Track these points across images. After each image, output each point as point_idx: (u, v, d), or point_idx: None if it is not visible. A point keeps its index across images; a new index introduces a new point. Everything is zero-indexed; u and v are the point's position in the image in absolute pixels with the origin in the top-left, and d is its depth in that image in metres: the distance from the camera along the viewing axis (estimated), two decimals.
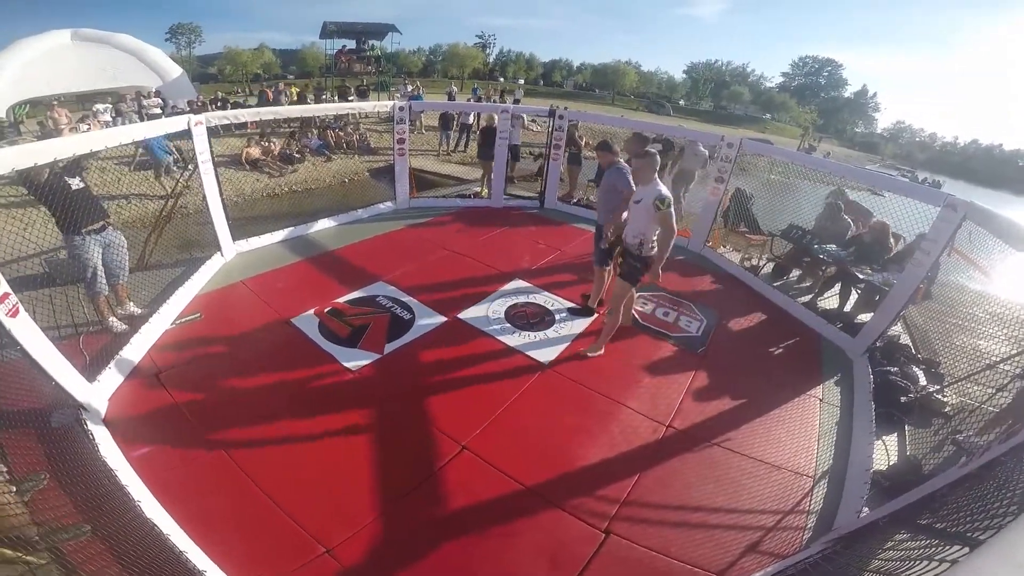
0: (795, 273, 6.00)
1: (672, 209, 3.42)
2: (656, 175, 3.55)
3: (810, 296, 5.44)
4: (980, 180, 44.35)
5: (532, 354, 3.94)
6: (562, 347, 4.06)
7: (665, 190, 3.47)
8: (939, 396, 3.71)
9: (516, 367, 3.80)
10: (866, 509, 2.64)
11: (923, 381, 3.91)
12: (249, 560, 2.29)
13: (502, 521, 2.59)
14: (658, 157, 3.59)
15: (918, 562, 1.50)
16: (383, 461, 2.88)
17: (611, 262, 4.18)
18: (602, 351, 3.97)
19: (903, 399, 3.65)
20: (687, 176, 7.82)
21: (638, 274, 3.71)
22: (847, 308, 5.05)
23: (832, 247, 5.35)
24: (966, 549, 1.36)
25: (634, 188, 3.84)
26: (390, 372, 3.65)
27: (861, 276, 4.82)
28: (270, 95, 17.19)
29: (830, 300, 5.28)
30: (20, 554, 2.03)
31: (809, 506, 2.83)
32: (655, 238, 3.59)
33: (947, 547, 1.51)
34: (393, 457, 2.92)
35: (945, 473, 2.23)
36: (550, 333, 4.27)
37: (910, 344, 4.58)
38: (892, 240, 5.11)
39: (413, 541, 2.45)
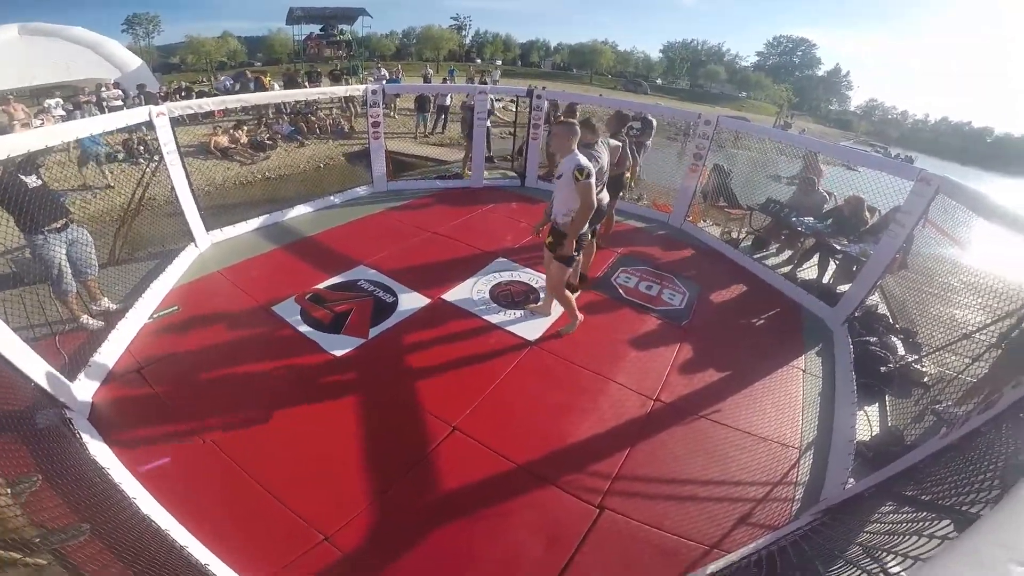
0: (774, 245, 6.09)
1: (592, 180, 3.23)
2: (575, 146, 3.33)
3: (789, 267, 5.54)
4: (950, 156, 45.45)
5: (518, 331, 3.93)
6: (548, 323, 4.06)
7: (584, 160, 3.27)
8: (918, 366, 3.81)
9: (503, 345, 3.79)
10: (851, 480, 2.70)
11: (902, 351, 4.01)
12: (250, 551, 2.27)
13: (497, 500, 2.60)
14: (576, 127, 3.35)
15: (906, 537, 1.52)
16: (375, 446, 2.86)
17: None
18: (580, 318, 3.94)
19: (883, 369, 3.73)
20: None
21: (576, 253, 3.57)
22: (826, 279, 5.15)
23: (809, 219, 5.44)
24: (951, 525, 1.38)
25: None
26: (376, 356, 3.60)
27: (839, 247, 4.91)
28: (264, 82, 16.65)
29: (809, 271, 5.38)
30: (21, 556, 1.98)
31: (796, 477, 2.90)
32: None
33: (935, 521, 1.54)
34: (385, 441, 2.90)
35: (926, 444, 2.28)
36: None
37: (888, 314, 4.70)
38: (867, 213, 5.20)
39: (411, 524, 2.45)
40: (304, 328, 3.82)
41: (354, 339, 3.73)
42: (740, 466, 2.92)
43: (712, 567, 2.28)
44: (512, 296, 4.43)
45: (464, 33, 58.21)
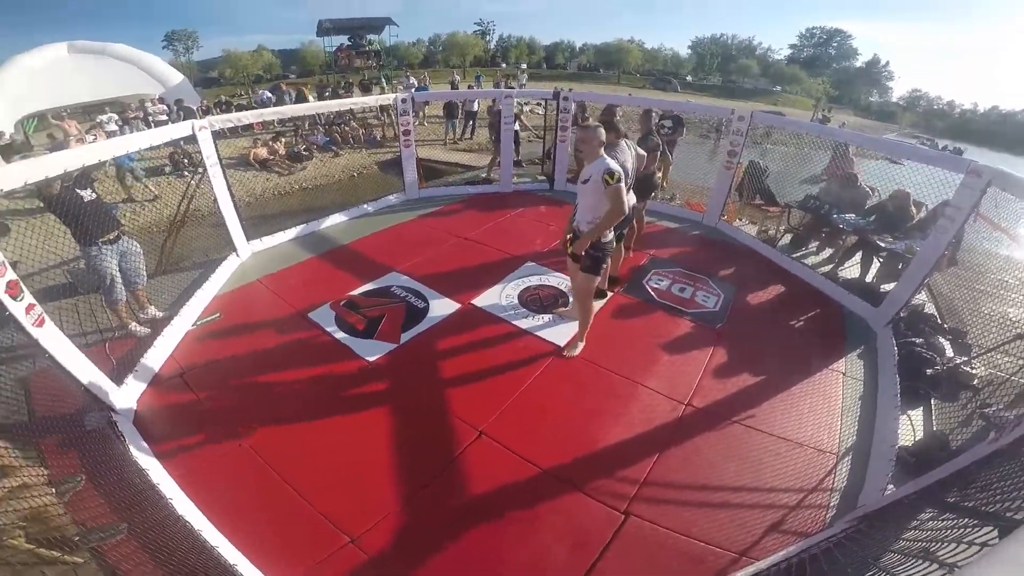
0: (814, 243, 5.88)
1: (623, 184, 3.09)
2: (601, 149, 3.21)
3: (830, 266, 5.33)
4: (1002, 147, 42.77)
5: (547, 336, 3.93)
6: (577, 327, 4.04)
7: (613, 163, 3.14)
8: (967, 368, 3.60)
9: (531, 350, 3.79)
10: (891, 487, 2.59)
11: (950, 352, 3.80)
12: (277, 552, 2.35)
13: (521, 505, 2.60)
14: (600, 130, 3.21)
15: (946, 544, 1.46)
16: (403, 449, 2.92)
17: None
18: (583, 344, 3.78)
19: (929, 371, 3.55)
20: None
21: (601, 263, 3.43)
22: (869, 278, 4.93)
23: (851, 216, 5.23)
24: (995, 531, 1.32)
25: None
26: (407, 361, 3.68)
27: (883, 244, 4.70)
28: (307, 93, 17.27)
29: (851, 270, 5.16)
30: (61, 554, 2.10)
31: (832, 484, 2.79)
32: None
33: (977, 528, 1.47)
34: (412, 445, 2.95)
35: (974, 449, 2.16)
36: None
37: (935, 314, 4.46)
38: (913, 208, 4.97)
39: (434, 528, 2.48)
40: (339, 334, 3.93)
41: (386, 344, 3.81)
42: (774, 472, 2.83)
43: (740, 575, 2.22)
44: (541, 300, 4.43)
45: (488, 38, 58.67)
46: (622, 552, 2.38)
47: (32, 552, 2.07)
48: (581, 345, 3.76)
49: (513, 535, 2.46)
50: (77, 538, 2.21)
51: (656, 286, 4.76)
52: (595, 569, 2.30)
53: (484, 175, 8.45)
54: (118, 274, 3.73)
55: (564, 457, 2.87)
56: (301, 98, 15.89)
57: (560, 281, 4.75)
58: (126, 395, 3.15)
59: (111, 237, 3.69)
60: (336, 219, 6.34)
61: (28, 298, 2.58)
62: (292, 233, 5.82)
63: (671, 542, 2.44)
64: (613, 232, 3.41)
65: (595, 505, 2.61)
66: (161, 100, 16.37)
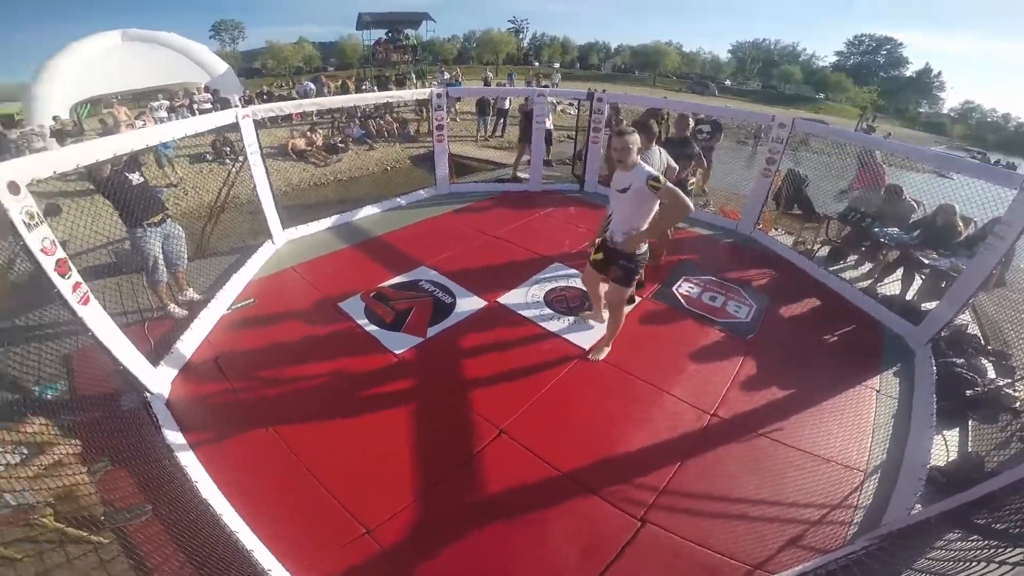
0: (853, 257, 5.69)
1: (670, 183, 2.96)
2: (637, 156, 3.06)
3: (869, 282, 5.16)
4: None
5: (572, 339, 3.91)
6: (604, 331, 4.01)
7: (650, 168, 3.03)
8: (1010, 390, 3.44)
9: (556, 351, 3.79)
10: (919, 506, 2.51)
11: (992, 374, 3.64)
12: (294, 539, 2.40)
13: (537, 505, 2.60)
14: (635, 135, 3.03)
15: (974, 564, 1.41)
16: (423, 443, 2.95)
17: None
18: (609, 349, 3.72)
19: (969, 392, 3.41)
20: None
21: (634, 275, 3.31)
22: (910, 295, 4.75)
23: (894, 230, 5.04)
24: None
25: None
26: (432, 356, 3.72)
27: (926, 261, 4.52)
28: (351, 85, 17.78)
29: (891, 287, 4.98)
30: (87, 534, 2.17)
31: (857, 501, 2.71)
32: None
33: (1007, 549, 1.42)
34: (433, 440, 2.98)
35: (1010, 471, 2.08)
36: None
37: (979, 334, 4.27)
38: (960, 223, 4.76)
39: (449, 524, 2.50)
40: (368, 325, 4.00)
41: (413, 337, 3.87)
42: (797, 487, 2.77)
43: None
44: (567, 301, 4.42)
45: (522, 36, 58.63)
46: (635, 559, 2.36)
47: (60, 531, 2.13)
48: (607, 350, 3.73)
49: (526, 535, 2.46)
50: (103, 517, 2.27)
51: (686, 293, 4.69)
52: (607, 574, 2.29)
53: (512, 174, 8.46)
54: (161, 255, 3.88)
55: (583, 460, 2.86)
56: (344, 91, 16.26)
57: None
58: (161, 377, 3.26)
59: (156, 220, 3.84)
60: (369, 211, 6.45)
61: (75, 276, 2.69)
62: (326, 223, 5.95)
63: (686, 551, 2.41)
64: (647, 244, 3.30)
65: (611, 510, 2.59)
66: (207, 89, 16.91)
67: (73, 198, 7.60)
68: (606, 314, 3.85)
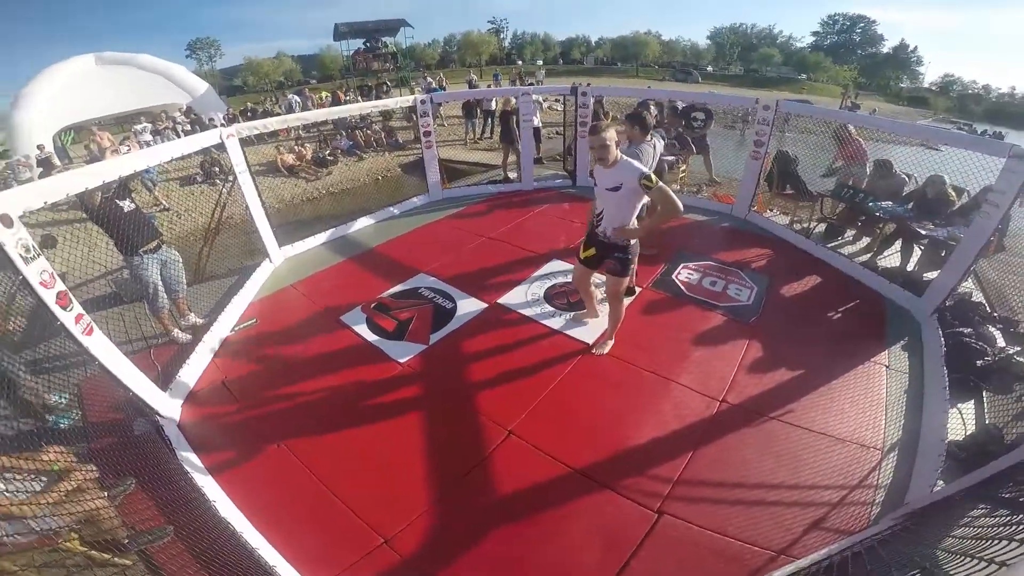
0: (850, 233, 5.70)
1: (662, 183, 2.94)
2: (620, 151, 3.04)
3: (868, 255, 5.16)
4: None
5: (575, 334, 3.91)
6: (606, 324, 4.00)
7: (642, 165, 3.01)
8: (1021, 358, 3.43)
9: (559, 348, 3.78)
10: (941, 483, 2.49)
11: (1001, 342, 3.62)
12: (314, 553, 2.40)
13: (552, 504, 2.60)
14: (614, 131, 3.02)
15: (998, 541, 1.40)
16: (433, 450, 2.95)
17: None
18: (612, 342, 3.72)
19: (979, 363, 3.39)
20: None
21: (630, 264, 3.35)
22: (910, 266, 4.75)
23: (888, 204, 5.05)
24: None
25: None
26: (436, 362, 3.72)
27: (923, 232, 4.52)
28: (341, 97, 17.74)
29: (890, 259, 4.98)
30: (111, 556, 2.17)
31: (877, 480, 2.69)
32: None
33: None
34: (443, 445, 2.98)
35: None
36: None
37: (984, 302, 4.26)
38: (953, 193, 4.77)
39: (466, 528, 2.50)
40: (370, 336, 4.00)
41: (416, 345, 3.86)
42: (814, 469, 2.75)
43: (779, 573, 2.17)
44: (567, 297, 4.41)
45: (503, 36, 58.65)
46: (655, 551, 2.35)
47: (85, 554, 2.14)
48: (610, 343, 3.72)
49: (543, 534, 2.46)
50: (127, 540, 2.28)
51: (686, 280, 4.68)
52: (628, 568, 2.28)
53: (502, 175, 8.47)
54: (160, 283, 3.86)
55: (595, 456, 2.85)
56: (336, 102, 16.24)
57: None
58: (171, 401, 3.27)
59: (152, 246, 3.82)
60: (363, 222, 6.44)
61: (77, 308, 2.70)
62: (322, 238, 5.94)
63: (706, 541, 2.40)
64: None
65: (627, 504, 2.58)
66: (189, 110, 16.85)
67: (68, 226, 7.55)
68: (601, 309, 3.84)
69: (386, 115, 16.10)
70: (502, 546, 2.41)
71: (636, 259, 3.44)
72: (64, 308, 2.61)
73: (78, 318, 2.69)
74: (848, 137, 5.65)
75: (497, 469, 2.80)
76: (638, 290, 4.46)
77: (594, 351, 3.71)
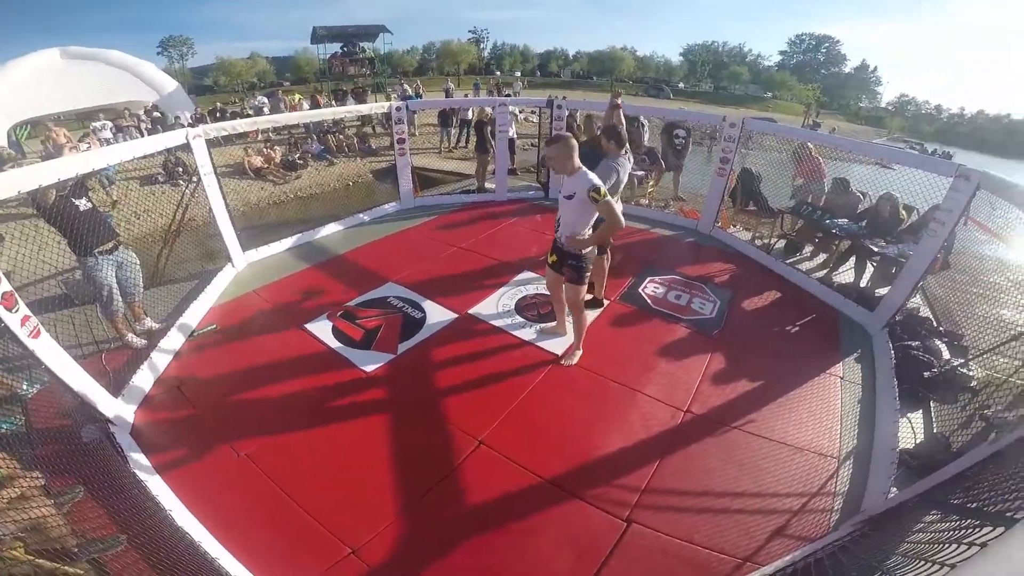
0: (808, 249, 5.93)
1: (610, 198, 3.04)
2: (578, 161, 3.12)
3: (824, 271, 5.38)
4: (991, 151, 42.96)
5: (545, 346, 3.93)
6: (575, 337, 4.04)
7: (596, 178, 3.08)
8: (964, 370, 3.62)
9: (529, 359, 3.79)
10: (894, 489, 2.59)
11: (946, 355, 3.82)
12: (279, 563, 2.33)
13: (523, 514, 2.59)
14: (573, 141, 3.14)
15: (947, 545, 1.47)
16: (402, 460, 2.90)
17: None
18: (581, 352, 3.75)
19: (926, 374, 3.57)
20: None
21: (585, 272, 3.41)
22: (863, 282, 4.98)
23: (844, 221, 5.28)
24: (1000, 529, 1.33)
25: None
26: (404, 372, 3.66)
27: (875, 249, 4.75)
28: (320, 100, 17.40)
29: (845, 275, 5.21)
30: (60, 565, 2.07)
31: (835, 488, 2.79)
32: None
33: (980, 528, 1.48)
34: (411, 455, 2.93)
35: (975, 450, 2.18)
36: None
37: (931, 317, 4.51)
38: (904, 212, 5.02)
39: (436, 538, 2.47)
40: (336, 344, 3.91)
41: (384, 355, 3.80)
42: (775, 478, 2.83)
43: None
44: (538, 308, 4.43)
45: (482, 46, 59.09)
46: (625, 560, 2.37)
47: (32, 563, 2.03)
48: (579, 353, 3.76)
49: (514, 544, 2.45)
50: (76, 549, 2.18)
51: (652, 293, 4.78)
52: None
53: (477, 185, 8.48)
54: (116, 285, 3.70)
55: (564, 466, 2.86)
56: (315, 106, 15.98)
57: None
58: (123, 407, 3.12)
59: (108, 247, 3.67)
60: (332, 228, 6.33)
61: (23, 310, 2.55)
62: (288, 243, 5.81)
63: (674, 549, 2.43)
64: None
65: (597, 513, 2.60)
66: (155, 108, 16.30)
67: (16, 223, 7.16)
68: (570, 326, 3.89)
69: (366, 120, 15.95)
70: (473, 556, 2.39)
71: (590, 267, 3.46)
72: (9, 309, 2.46)
73: (24, 320, 2.54)
74: (808, 156, 5.90)
75: (467, 479, 2.78)
76: (606, 302, 4.52)
77: (563, 362, 3.73)
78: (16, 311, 2.50)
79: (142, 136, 12.70)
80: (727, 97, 52.13)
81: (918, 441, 3.11)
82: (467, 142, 15.63)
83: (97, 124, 13.50)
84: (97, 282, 3.60)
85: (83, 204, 3.55)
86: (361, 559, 2.35)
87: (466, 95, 23.33)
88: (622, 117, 4.34)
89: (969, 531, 1.50)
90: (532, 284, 4.87)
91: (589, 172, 3.13)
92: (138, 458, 2.84)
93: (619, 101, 4.39)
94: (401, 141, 6.88)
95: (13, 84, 16.46)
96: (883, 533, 2.14)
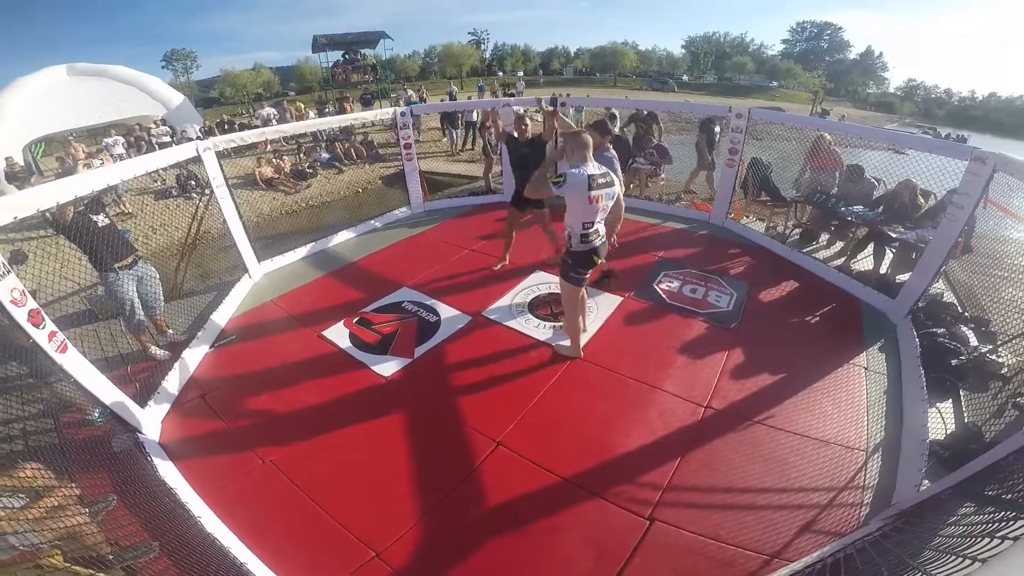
0: (824, 237, 5.84)
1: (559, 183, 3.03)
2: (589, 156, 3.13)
3: (842, 260, 5.29)
4: (1005, 133, 41.87)
5: (560, 344, 3.90)
6: (590, 334, 4.03)
7: (566, 165, 3.11)
8: (994, 356, 3.53)
9: (544, 359, 3.78)
10: (926, 482, 2.54)
11: (974, 341, 3.72)
12: (305, 567, 2.36)
13: (543, 514, 2.59)
14: (586, 136, 3.15)
15: (978, 539, 1.43)
16: (421, 463, 2.92)
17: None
18: (580, 355, 3.76)
19: (954, 362, 3.48)
20: None
21: (569, 269, 3.37)
22: (883, 269, 4.88)
23: (859, 208, 5.19)
24: None
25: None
26: (421, 375, 3.69)
27: (894, 235, 4.66)
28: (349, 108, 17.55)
29: (864, 263, 5.11)
30: (96, 572, 2.12)
31: (864, 481, 2.74)
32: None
33: (1015, 520, 1.44)
34: (431, 458, 2.95)
35: (1010, 440, 2.11)
36: None
37: (955, 302, 4.41)
38: (921, 197, 4.93)
39: (457, 540, 2.48)
40: (353, 351, 3.95)
41: (401, 359, 3.82)
42: (801, 472, 2.79)
43: None
44: (552, 308, 4.42)
45: (483, 47, 59.05)
46: (648, 558, 2.35)
47: (69, 570, 2.08)
48: (579, 355, 3.75)
49: (535, 545, 2.44)
50: (111, 556, 2.23)
51: (667, 288, 4.74)
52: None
53: (484, 186, 8.48)
54: (137, 299, 3.76)
55: (584, 465, 2.85)
56: (342, 111, 15.97)
57: None
58: (151, 417, 3.19)
59: (127, 262, 3.73)
60: (345, 236, 6.38)
61: (50, 326, 2.61)
62: (302, 252, 5.86)
63: (699, 546, 2.40)
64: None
65: (618, 512, 2.58)
66: (164, 122, 16.50)
67: (39, 240, 7.30)
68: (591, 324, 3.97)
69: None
70: (494, 558, 2.38)
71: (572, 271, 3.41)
72: (36, 326, 2.52)
73: (51, 336, 2.61)
74: (827, 147, 5.78)
75: (486, 480, 2.78)
76: (620, 299, 4.49)
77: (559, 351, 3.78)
78: (43, 327, 2.57)
79: (153, 150, 12.87)
80: (733, 88, 51.51)
81: (949, 431, 3.02)
82: (473, 144, 15.64)
83: (109, 140, 13.70)
84: (119, 297, 3.67)
85: (100, 220, 3.62)
86: (385, 562, 2.37)
87: (469, 97, 23.39)
88: (569, 122, 4.60)
89: (1004, 524, 1.46)
90: (545, 284, 4.86)
91: (567, 163, 3.17)
92: (167, 466, 2.90)
93: (552, 108, 4.59)
94: (408, 147, 6.90)
95: (26, 101, 16.63)
96: (915, 527, 2.09)
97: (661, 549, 2.40)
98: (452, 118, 15.42)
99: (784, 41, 61.43)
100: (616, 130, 7.97)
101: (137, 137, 14.11)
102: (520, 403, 3.33)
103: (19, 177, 11.93)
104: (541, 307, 4.45)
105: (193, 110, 21.35)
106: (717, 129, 7.77)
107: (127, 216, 10.15)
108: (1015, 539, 1.25)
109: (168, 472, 2.84)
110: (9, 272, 2.43)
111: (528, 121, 4.80)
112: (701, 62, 59.93)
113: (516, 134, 5.02)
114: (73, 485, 2.46)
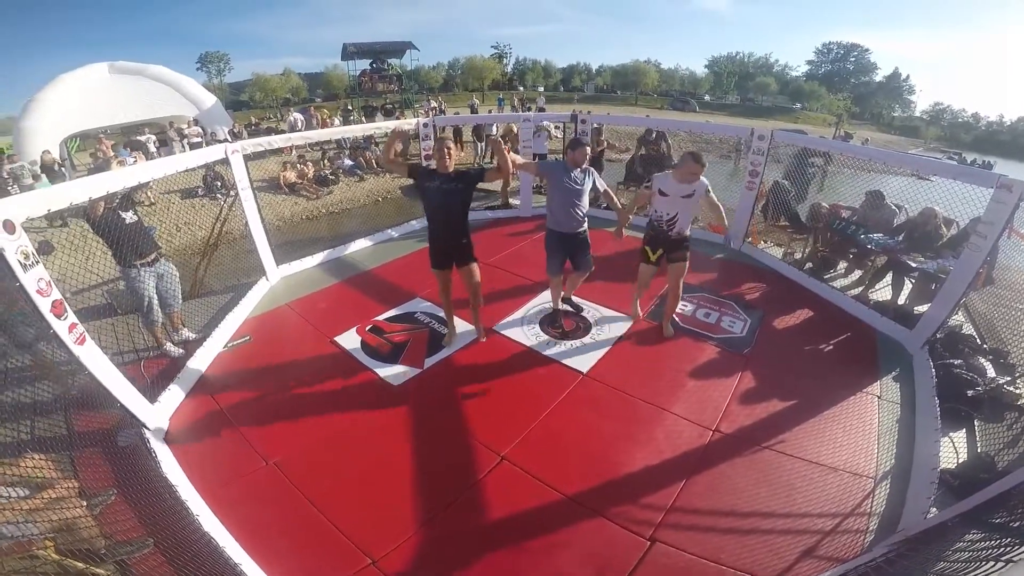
0: (842, 265, 5.76)
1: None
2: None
3: (860, 288, 5.21)
4: None
5: (570, 363, 3.91)
6: (601, 353, 4.02)
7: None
8: (1011, 388, 3.45)
9: (553, 376, 3.78)
10: (934, 509, 2.49)
11: (991, 373, 3.65)
12: (299, 571, 2.37)
13: (543, 531, 2.57)
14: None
15: (984, 563, 1.42)
16: (425, 473, 2.92)
17: None
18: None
19: (970, 392, 3.42)
20: None
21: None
22: (901, 299, 4.80)
23: (879, 236, 5.12)
24: None
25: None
26: (430, 386, 3.71)
27: (914, 264, 4.58)
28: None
29: (882, 292, 5.03)
30: (88, 566, 2.14)
31: (871, 508, 2.69)
32: None
33: (1021, 546, 1.42)
34: (434, 469, 2.95)
35: (1022, 469, 2.08)
36: (587, 340, 4.22)
37: (974, 334, 4.31)
38: (943, 225, 4.85)
39: (456, 552, 2.47)
40: (364, 358, 3.99)
41: (410, 369, 3.85)
42: (807, 498, 2.75)
43: None
44: (563, 326, 4.41)
45: (505, 62, 59.68)
46: None
47: (59, 563, 2.11)
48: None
49: (535, 561, 2.43)
50: (104, 550, 2.25)
51: (681, 311, 4.67)
52: None
53: (500, 201, 8.53)
54: (155, 296, 3.86)
55: (588, 483, 2.84)
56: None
57: (583, 306, 4.71)
58: (159, 413, 3.24)
59: (149, 259, 3.84)
60: (361, 244, 6.48)
61: (71, 317, 2.69)
62: (319, 258, 5.97)
63: (699, 568, 2.37)
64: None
65: (619, 531, 2.56)
66: (196, 123, 16.92)
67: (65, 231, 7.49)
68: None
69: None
70: (492, 571, 2.38)
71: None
72: (58, 317, 2.60)
73: (71, 327, 2.68)
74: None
75: (489, 494, 2.77)
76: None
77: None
78: (65, 319, 2.65)
79: (184, 151, 13.23)
80: (755, 109, 51.14)
81: (961, 460, 2.97)
82: (491, 157, 15.77)
83: (141, 138, 14.07)
84: (138, 292, 3.77)
85: (129, 217, 3.74)
86: (380, 570, 2.37)
87: (490, 111, 23.64)
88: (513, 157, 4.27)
89: (1008, 549, 1.44)
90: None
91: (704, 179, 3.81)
92: (170, 463, 2.94)
93: (497, 136, 4.56)
94: (428, 158, 7.00)
95: (66, 98, 17.15)
96: (919, 553, 2.05)
97: (661, 570, 2.37)
98: (477, 131, 15.62)
99: (809, 62, 60.90)
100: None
101: (168, 137, 14.51)
102: (527, 419, 3.32)
103: (53, 171, 12.33)
104: (552, 324, 4.45)
105: (224, 112, 21.78)
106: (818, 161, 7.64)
107: (150, 205, 10.41)
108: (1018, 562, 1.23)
109: (171, 469, 2.88)
110: (38, 262, 2.52)
111: (451, 146, 3.64)
112: (724, 82, 59.77)
113: (434, 165, 3.75)
114: (75, 478, 2.50)
